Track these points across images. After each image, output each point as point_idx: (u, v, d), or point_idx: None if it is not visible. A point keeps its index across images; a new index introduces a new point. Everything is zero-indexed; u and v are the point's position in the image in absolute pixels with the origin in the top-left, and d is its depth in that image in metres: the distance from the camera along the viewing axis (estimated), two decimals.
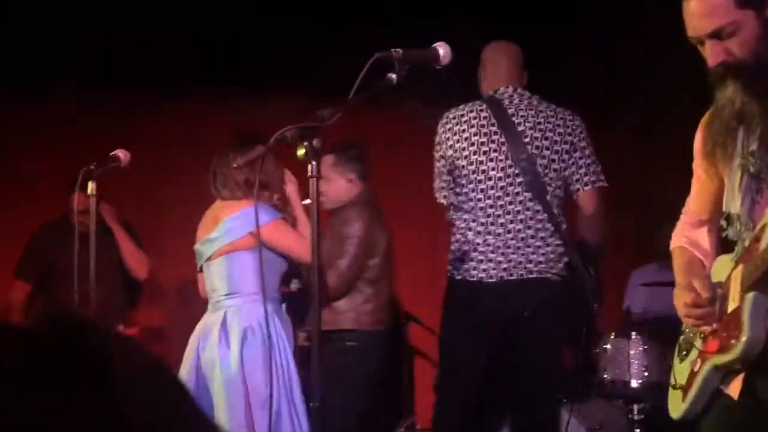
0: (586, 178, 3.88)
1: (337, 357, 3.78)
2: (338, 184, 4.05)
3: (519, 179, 3.81)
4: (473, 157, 3.84)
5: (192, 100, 5.74)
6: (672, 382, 2.39)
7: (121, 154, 3.59)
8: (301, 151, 2.41)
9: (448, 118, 3.94)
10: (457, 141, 3.88)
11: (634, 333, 4.37)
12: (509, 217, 3.81)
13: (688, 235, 2.45)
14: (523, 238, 3.79)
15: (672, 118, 4.37)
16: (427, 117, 5.72)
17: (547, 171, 3.82)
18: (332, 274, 3.87)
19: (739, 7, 2.09)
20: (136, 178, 5.06)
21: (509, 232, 3.80)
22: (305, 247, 3.32)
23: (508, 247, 3.79)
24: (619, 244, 5.85)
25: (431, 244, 5.82)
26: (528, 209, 3.80)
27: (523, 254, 3.79)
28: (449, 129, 3.90)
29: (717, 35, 2.10)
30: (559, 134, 3.85)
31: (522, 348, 3.80)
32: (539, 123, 3.85)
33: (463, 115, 3.90)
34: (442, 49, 2.47)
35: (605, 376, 4.38)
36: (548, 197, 3.82)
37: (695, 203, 2.45)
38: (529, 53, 4.08)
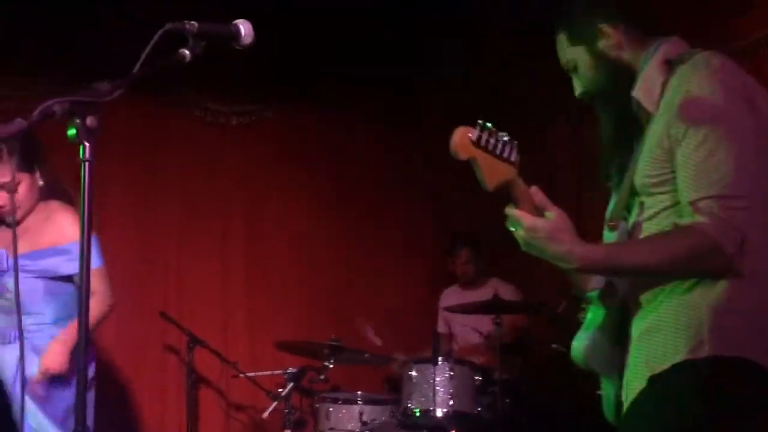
0: None
1: None
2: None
3: None
4: None
5: None
6: None
7: None
8: (71, 131, 2.06)
9: None
10: None
11: (440, 359, 4.19)
12: None
13: None
14: None
15: None
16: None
17: None
18: None
19: (571, 45, 2.20)
20: None
21: None
22: None
23: None
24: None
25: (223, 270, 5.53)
26: None
27: None
28: None
29: (566, 70, 2.23)
30: None
31: None
32: None
33: None
34: (244, 27, 2.20)
35: (409, 404, 4.18)
36: None
37: None
38: None
